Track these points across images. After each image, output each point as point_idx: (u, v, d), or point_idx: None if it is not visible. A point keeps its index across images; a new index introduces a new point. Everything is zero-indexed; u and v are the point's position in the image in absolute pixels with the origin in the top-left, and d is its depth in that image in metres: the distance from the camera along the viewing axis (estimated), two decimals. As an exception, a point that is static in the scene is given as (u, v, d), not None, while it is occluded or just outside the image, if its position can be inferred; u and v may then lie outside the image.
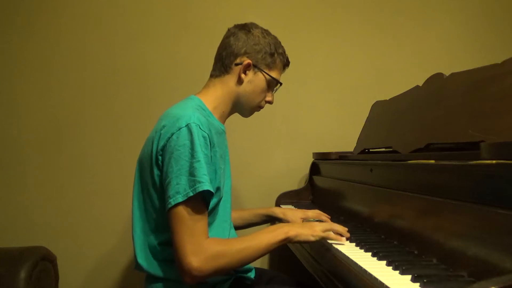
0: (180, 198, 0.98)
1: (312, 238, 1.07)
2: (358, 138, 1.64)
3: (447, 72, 1.17)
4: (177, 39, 1.96)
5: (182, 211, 0.99)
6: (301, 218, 1.38)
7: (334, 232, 1.10)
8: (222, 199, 1.16)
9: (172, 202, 0.99)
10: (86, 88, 1.93)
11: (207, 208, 1.05)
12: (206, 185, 1.00)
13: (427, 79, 1.25)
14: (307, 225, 1.11)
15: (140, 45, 1.94)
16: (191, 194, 0.98)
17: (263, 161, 1.99)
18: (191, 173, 1.00)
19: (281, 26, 1.96)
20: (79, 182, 1.91)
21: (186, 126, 1.03)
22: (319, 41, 2.04)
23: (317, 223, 1.14)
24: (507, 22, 2.13)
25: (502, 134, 0.84)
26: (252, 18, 1.29)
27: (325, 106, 2.04)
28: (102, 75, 1.93)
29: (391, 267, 0.82)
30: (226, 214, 1.20)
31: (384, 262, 0.86)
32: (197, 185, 0.99)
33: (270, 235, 1.05)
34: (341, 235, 1.10)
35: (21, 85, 1.91)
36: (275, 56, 1.23)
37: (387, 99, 1.53)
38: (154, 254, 1.11)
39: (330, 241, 1.10)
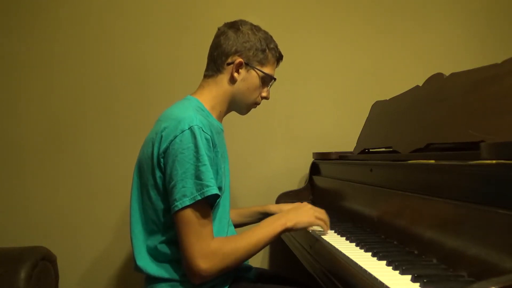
0: (187, 201, 1.00)
1: (308, 224, 1.14)
2: (358, 138, 1.64)
3: (447, 72, 1.17)
4: (177, 39, 1.96)
5: (190, 214, 1.01)
6: None
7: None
8: (222, 197, 1.16)
9: (179, 205, 1.00)
10: (86, 88, 1.93)
11: (211, 210, 1.06)
12: (214, 189, 1.02)
13: (427, 79, 1.25)
14: (302, 211, 1.15)
15: (140, 45, 1.94)
16: (199, 197, 1.00)
17: (263, 161, 1.99)
18: (198, 177, 1.01)
19: (281, 26, 1.97)
20: (79, 182, 1.91)
21: (189, 128, 1.03)
22: (319, 41, 2.04)
23: (309, 206, 1.19)
24: (507, 22, 2.13)
25: (502, 134, 0.84)
26: (252, 18, 1.28)
27: (325, 106, 2.04)
28: (102, 75, 1.93)
29: (391, 267, 0.82)
30: (225, 211, 1.20)
31: (384, 262, 0.86)
32: (205, 189, 1.00)
33: (269, 229, 1.09)
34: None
35: (21, 85, 1.91)
36: (267, 52, 1.22)
37: (387, 99, 1.53)
38: (153, 255, 1.11)
39: (326, 238, 1.12)
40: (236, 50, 1.19)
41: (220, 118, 1.25)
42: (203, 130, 1.04)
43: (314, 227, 1.19)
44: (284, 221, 1.10)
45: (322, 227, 1.17)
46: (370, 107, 1.68)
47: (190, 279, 1.03)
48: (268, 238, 1.08)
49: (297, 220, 1.11)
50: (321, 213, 1.18)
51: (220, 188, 1.11)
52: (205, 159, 1.02)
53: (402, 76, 2.03)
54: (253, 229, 1.10)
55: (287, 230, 1.11)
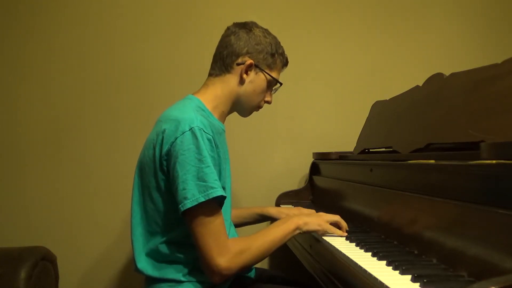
0: (188, 204, 0.99)
1: (319, 228, 1.13)
2: (358, 138, 1.64)
3: (447, 72, 1.17)
4: (177, 39, 1.96)
5: (200, 216, 1.00)
6: None
7: (338, 226, 1.16)
8: None
9: (182, 208, 1.00)
10: (86, 88, 1.93)
11: (221, 209, 1.06)
12: (219, 191, 1.01)
13: (427, 79, 1.25)
14: (314, 215, 1.16)
15: (140, 45, 1.94)
16: (203, 199, 0.99)
17: (263, 161, 1.99)
18: (201, 178, 1.00)
19: (281, 26, 1.96)
20: (79, 182, 1.91)
21: (190, 130, 1.02)
22: (319, 41, 2.04)
23: (323, 213, 1.18)
24: (507, 22, 2.13)
25: (502, 134, 0.84)
26: (252, 18, 1.28)
27: (325, 106, 2.04)
28: (102, 75, 1.93)
29: (391, 267, 0.82)
30: (227, 213, 1.20)
31: (384, 262, 0.86)
32: (210, 191, 1.00)
33: (282, 227, 1.10)
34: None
35: (21, 85, 1.91)
36: (276, 56, 1.23)
37: (387, 99, 1.53)
38: (154, 256, 1.11)
39: (326, 238, 1.12)
40: (248, 51, 1.19)
41: (222, 118, 1.24)
42: (204, 131, 1.03)
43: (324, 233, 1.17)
44: (296, 219, 1.12)
45: (334, 233, 1.14)
46: (370, 107, 1.68)
47: (210, 279, 1.03)
48: (283, 235, 1.09)
49: (308, 220, 1.12)
50: (335, 217, 1.17)
51: (223, 188, 1.11)
52: (208, 160, 1.01)
53: (402, 76, 2.03)
54: (268, 228, 1.11)
55: (299, 229, 1.11)
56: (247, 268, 1.09)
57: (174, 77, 1.94)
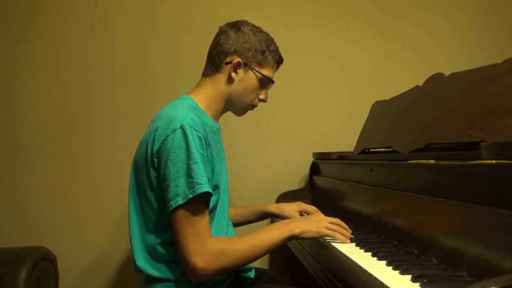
0: (180, 200, 0.99)
1: (317, 235, 1.07)
2: (358, 138, 1.64)
3: (447, 72, 1.17)
4: (177, 38, 1.96)
5: (184, 212, 1.00)
6: (298, 211, 1.40)
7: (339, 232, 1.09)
8: (220, 197, 1.16)
9: (173, 204, 1.00)
10: (86, 88, 1.93)
11: (208, 208, 1.06)
12: (205, 187, 1.00)
13: (427, 79, 1.25)
14: (312, 220, 1.09)
15: (140, 45, 1.94)
16: (191, 196, 0.99)
17: (263, 161, 1.99)
18: (189, 175, 1.00)
19: (281, 26, 1.97)
20: (79, 182, 1.91)
21: (180, 127, 1.03)
22: (319, 41, 2.04)
23: (322, 217, 1.12)
24: (507, 22, 2.13)
25: (502, 134, 0.84)
26: (252, 18, 1.28)
27: (325, 106, 2.04)
28: (101, 75, 1.93)
29: (391, 267, 0.82)
30: (224, 211, 1.20)
31: (384, 262, 0.86)
32: (196, 187, 1.00)
33: (275, 233, 1.05)
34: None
35: (21, 85, 1.91)
36: (266, 54, 1.21)
37: (387, 99, 1.53)
38: (152, 255, 1.11)
39: (326, 238, 1.10)
40: (236, 50, 1.18)
41: (216, 117, 1.24)
42: (194, 129, 1.04)
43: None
44: (292, 226, 1.05)
45: (334, 237, 1.08)
46: (370, 107, 1.68)
47: (189, 278, 1.03)
48: (273, 242, 1.04)
49: (305, 228, 1.06)
50: (334, 222, 1.10)
51: (216, 187, 1.11)
52: (196, 157, 1.01)
53: (402, 76, 2.03)
54: (259, 232, 1.06)
55: (293, 237, 1.06)
56: (228, 270, 1.06)
57: (174, 77, 1.94)
